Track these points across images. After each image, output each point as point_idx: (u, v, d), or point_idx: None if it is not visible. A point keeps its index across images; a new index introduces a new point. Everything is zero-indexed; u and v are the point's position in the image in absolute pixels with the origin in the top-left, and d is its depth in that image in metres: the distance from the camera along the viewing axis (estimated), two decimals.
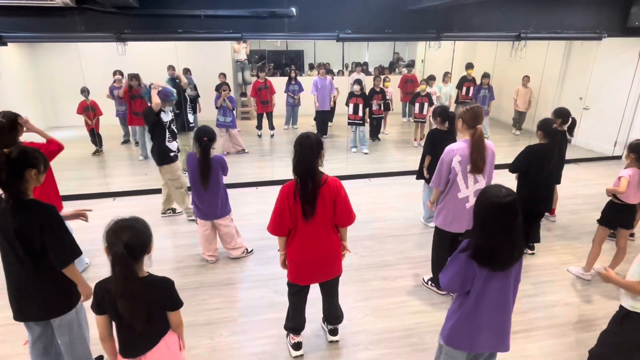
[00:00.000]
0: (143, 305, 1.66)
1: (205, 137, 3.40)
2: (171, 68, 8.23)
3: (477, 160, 2.82)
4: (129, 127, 7.70)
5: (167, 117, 4.30)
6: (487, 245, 1.74)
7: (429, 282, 3.42)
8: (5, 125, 2.87)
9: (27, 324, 2.25)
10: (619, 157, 7.03)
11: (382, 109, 7.82)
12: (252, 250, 4.02)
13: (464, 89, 8.12)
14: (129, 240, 1.59)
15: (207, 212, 3.64)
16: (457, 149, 2.86)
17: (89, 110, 6.82)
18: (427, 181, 4.21)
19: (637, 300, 2.11)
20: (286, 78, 8.65)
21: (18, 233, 1.95)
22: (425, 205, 4.50)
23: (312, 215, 2.30)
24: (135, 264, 1.66)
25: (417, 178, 4.42)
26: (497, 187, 1.75)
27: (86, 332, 2.42)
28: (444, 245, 3.17)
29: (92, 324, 2.48)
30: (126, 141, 7.87)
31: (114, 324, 1.77)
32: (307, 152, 2.24)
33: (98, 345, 2.64)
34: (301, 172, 2.26)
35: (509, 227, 1.72)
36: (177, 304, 1.81)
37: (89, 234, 3.30)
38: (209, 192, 3.55)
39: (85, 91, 6.70)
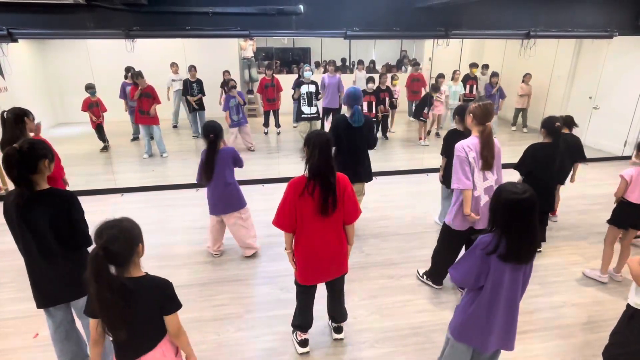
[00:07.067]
0: (117, 307, 1.54)
1: (211, 134, 3.43)
2: (174, 65, 8.24)
3: (488, 157, 2.79)
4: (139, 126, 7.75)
5: None
6: (515, 242, 1.77)
7: (424, 276, 3.39)
8: (11, 119, 2.90)
9: (49, 312, 2.29)
10: (629, 157, 6.91)
11: (387, 107, 7.81)
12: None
13: (468, 86, 8.13)
14: (106, 241, 1.51)
15: (215, 206, 3.66)
16: (471, 144, 2.80)
17: (94, 107, 6.84)
18: (443, 182, 4.17)
19: None
20: (292, 75, 8.65)
21: (51, 221, 2.02)
22: (442, 205, 4.45)
23: (334, 210, 2.29)
24: (118, 266, 1.58)
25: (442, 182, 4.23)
26: (513, 185, 1.80)
27: None
28: (456, 245, 3.15)
29: None
30: (135, 138, 7.92)
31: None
32: (324, 148, 2.24)
33: None
34: (317, 169, 2.24)
35: (531, 222, 1.76)
36: (173, 305, 1.70)
37: None
38: (216, 186, 3.57)
39: (90, 88, 6.72)
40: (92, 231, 2.24)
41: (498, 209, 1.80)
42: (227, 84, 7.07)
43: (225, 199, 3.64)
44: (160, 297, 1.67)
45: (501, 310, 1.89)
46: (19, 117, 2.94)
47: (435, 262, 3.33)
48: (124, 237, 1.56)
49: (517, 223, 1.76)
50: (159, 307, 1.67)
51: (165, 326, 1.71)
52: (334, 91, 7.79)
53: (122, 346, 1.68)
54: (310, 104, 6.85)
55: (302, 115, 6.92)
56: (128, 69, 7.19)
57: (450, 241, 3.17)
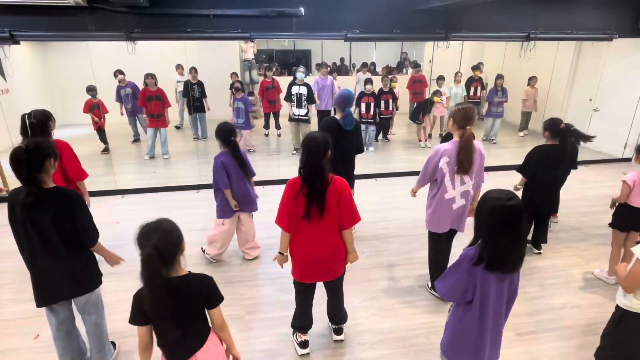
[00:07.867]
0: (171, 307, 1.60)
1: (232, 137, 3.48)
2: (180, 67, 8.32)
3: (464, 161, 2.79)
4: (138, 127, 7.77)
5: None
6: (499, 250, 1.70)
7: (432, 289, 3.38)
8: (36, 125, 2.89)
9: (51, 309, 2.30)
10: (629, 159, 6.95)
11: (390, 108, 7.82)
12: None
13: (472, 89, 8.12)
14: (157, 240, 1.56)
15: (244, 203, 3.66)
16: (445, 149, 2.84)
17: (95, 109, 6.84)
18: None
19: (629, 299, 2.11)
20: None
21: (54, 219, 2.05)
22: None
23: (320, 216, 2.29)
24: (166, 265, 1.63)
25: None
26: (499, 191, 1.71)
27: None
28: (439, 247, 3.19)
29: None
30: (136, 140, 7.93)
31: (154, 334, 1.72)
32: (314, 153, 2.25)
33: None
34: (308, 173, 2.27)
35: (516, 230, 1.69)
36: (218, 299, 1.78)
37: (99, 231, 3.33)
38: (248, 185, 3.65)
39: (92, 90, 6.73)
40: (104, 232, 2.24)
41: (482, 216, 1.72)
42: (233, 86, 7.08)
43: (251, 197, 3.70)
44: (206, 292, 1.75)
45: (491, 322, 1.83)
46: (43, 121, 2.93)
47: (431, 271, 3.33)
48: (168, 236, 1.63)
49: (502, 230, 1.67)
50: (205, 302, 1.75)
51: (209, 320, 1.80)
52: (326, 94, 7.67)
53: (174, 347, 1.71)
54: (299, 105, 6.87)
55: (292, 116, 7.00)
56: (115, 74, 7.18)
57: (435, 243, 3.22)
